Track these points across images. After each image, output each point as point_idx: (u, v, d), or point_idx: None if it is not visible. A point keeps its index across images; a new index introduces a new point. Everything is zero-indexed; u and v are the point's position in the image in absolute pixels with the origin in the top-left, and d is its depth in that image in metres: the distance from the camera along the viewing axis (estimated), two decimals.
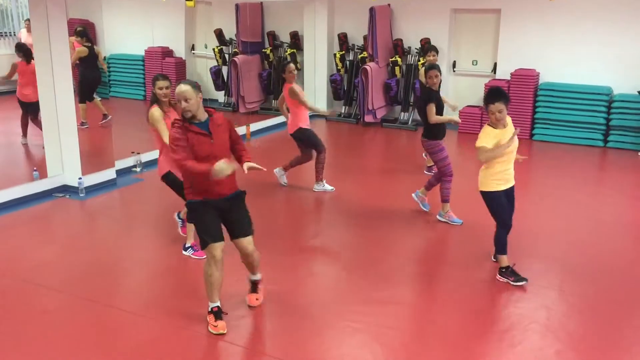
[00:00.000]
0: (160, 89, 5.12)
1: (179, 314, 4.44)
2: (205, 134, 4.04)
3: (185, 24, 12.84)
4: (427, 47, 8.65)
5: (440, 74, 6.24)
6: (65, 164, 7.05)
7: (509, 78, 10.19)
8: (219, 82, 12.27)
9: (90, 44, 9.69)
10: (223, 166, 3.90)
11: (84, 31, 9.92)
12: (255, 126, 10.38)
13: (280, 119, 11.15)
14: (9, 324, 4.27)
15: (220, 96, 12.53)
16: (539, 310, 4.56)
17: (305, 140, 7.16)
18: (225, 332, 4.14)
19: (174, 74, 12.62)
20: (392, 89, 10.95)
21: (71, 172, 7.04)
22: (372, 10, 10.38)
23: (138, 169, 7.99)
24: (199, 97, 4.02)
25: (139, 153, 8.09)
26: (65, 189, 7.03)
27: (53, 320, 4.36)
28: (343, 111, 11.67)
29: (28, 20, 12.79)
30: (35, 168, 7.18)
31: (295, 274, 5.14)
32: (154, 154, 8.37)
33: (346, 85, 11.52)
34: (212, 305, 4.23)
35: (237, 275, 5.09)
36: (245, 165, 4.26)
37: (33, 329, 4.22)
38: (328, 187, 7.25)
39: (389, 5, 10.95)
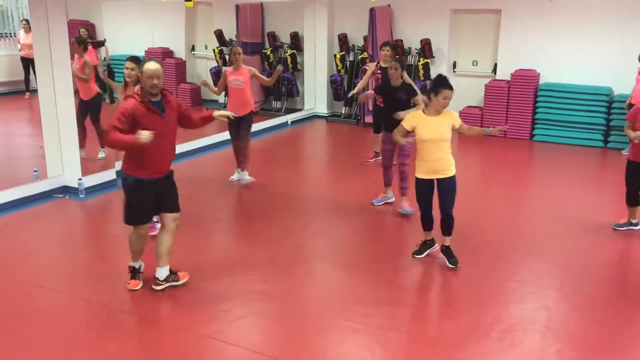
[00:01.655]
0: (126, 68, 5.30)
1: (179, 315, 4.44)
2: (158, 112, 4.37)
3: (185, 25, 12.84)
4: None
5: (402, 69, 6.35)
6: (65, 164, 7.04)
7: (509, 78, 10.19)
8: (218, 83, 12.27)
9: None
10: (147, 134, 4.21)
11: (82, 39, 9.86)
12: (255, 127, 10.32)
13: (281, 119, 11.16)
14: (10, 324, 4.27)
15: (221, 97, 12.51)
16: (539, 310, 4.56)
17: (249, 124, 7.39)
18: (136, 289, 4.70)
19: (175, 74, 12.63)
20: None
21: (71, 173, 7.04)
22: (372, 10, 10.39)
23: None
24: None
25: None
26: (65, 190, 7.03)
27: (54, 320, 4.35)
28: (343, 112, 11.67)
29: (25, 20, 12.80)
30: (35, 169, 7.18)
31: (294, 274, 5.13)
32: None
33: (346, 85, 11.52)
34: (131, 264, 4.76)
35: (239, 276, 5.09)
36: (215, 113, 4.76)
37: (34, 330, 4.22)
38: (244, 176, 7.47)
39: (389, 5, 10.96)
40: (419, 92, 6.39)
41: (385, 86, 6.48)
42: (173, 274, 4.78)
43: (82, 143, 7.66)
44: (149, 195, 4.52)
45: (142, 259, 4.80)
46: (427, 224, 5.34)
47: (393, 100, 6.32)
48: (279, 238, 5.92)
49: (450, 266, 5.16)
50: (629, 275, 5.20)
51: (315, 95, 11.83)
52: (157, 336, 4.17)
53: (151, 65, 4.27)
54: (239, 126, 7.27)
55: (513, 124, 10.17)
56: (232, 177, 7.53)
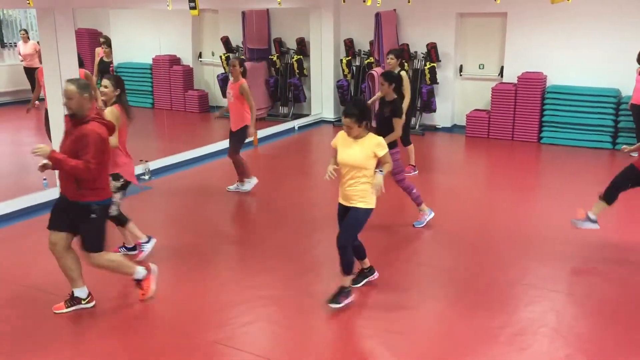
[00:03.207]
0: (103, 86, 5.21)
1: (185, 321, 4.45)
2: (67, 130, 4.32)
3: (192, 32, 12.92)
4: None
5: (386, 82, 5.97)
6: None
7: (515, 81, 10.17)
8: (226, 89, 12.32)
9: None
10: (38, 148, 4.12)
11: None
12: (262, 132, 10.39)
13: (288, 125, 11.19)
14: (23, 331, 4.30)
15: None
16: (548, 313, 4.54)
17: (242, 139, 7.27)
18: (58, 312, 4.50)
19: (182, 81, 12.70)
20: None
21: None
22: (377, 15, 10.40)
23: (147, 177, 8.02)
24: (84, 97, 4.18)
25: (147, 161, 8.13)
26: None
27: (65, 326, 4.38)
28: None
29: (24, 30, 12.92)
30: (44, 177, 7.23)
31: (301, 280, 5.14)
32: (162, 162, 8.47)
33: (353, 90, 11.54)
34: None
35: (245, 282, 5.11)
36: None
37: (47, 336, 4.24)
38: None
39: (394, 10, 10.97)
40: (402, 114, 6.04)
41: (383, 102, 6.20)
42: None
43: None
44: (58, 202, 4.51)
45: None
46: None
47: (380, 114, 6.13)
48: (286, 245, 5.93)
49: (328, 303, 4.54)
50: (639, 279, 5.16)
51: (322, 100, 11.85)
52: (165, 342, 4.18)
53: (65, 85, 4.22)
54: (233, 141, 7.29)
55: (520, 126, 10.15)
56: (229, 187, 7.48)
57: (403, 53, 10.34)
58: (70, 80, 4.23)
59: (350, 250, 4.55)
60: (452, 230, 6.24)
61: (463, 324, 4.41)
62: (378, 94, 7.44)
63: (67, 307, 4.52)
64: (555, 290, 4.93)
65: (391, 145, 6.16)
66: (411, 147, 8.12)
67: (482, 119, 10.38)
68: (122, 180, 5.27)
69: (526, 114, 10.07)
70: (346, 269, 4.55)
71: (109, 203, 4.53)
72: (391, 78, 6.00)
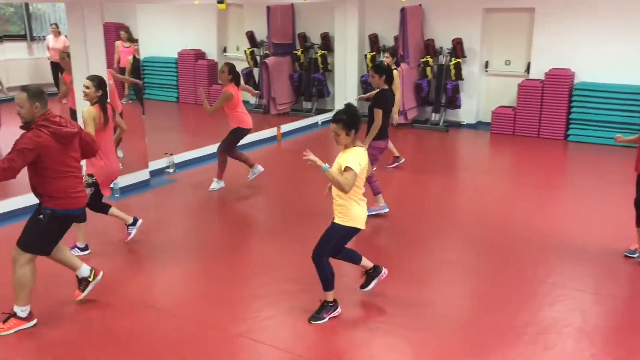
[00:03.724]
0: (83, 86, 5.25)
1: (209, 314, 4.49)
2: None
3: (217, 27, 12.98)
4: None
5: (376, 74, 6.05)
6: None
7: (542, 78, 10.03)
8: (250, 83, 12.36)
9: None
10: None
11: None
12: (285, 127, 10.43)
13: (311, 120, 11.20)
14: (42, 322, 4.37)
15: (252, 97, 12.62)
16: (573, 313, 4.48)
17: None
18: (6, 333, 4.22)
19: (206, 76, 12.77)
20: (424, 89, 10.88)
21: None
22: (403, 10, 10.34)
23: (171, 170, 8.10)
24: (34, 106, 4.02)
25: (172, 154, 8.20)
26: None
27: (88, 319, 4.45)
28: None
29: (54, 24, 13.08)
30: None
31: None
32: (186, 156, 8.54)
33: None
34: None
35: (267, 277, 5.14)
36: None
37: (72, 329, 4.32)
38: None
39: (420, 5, 10.89)
40: (384, 105, 6.09)
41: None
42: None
43: (117, 143, 7.79)
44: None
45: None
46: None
47: (371, 108, 6.20)
48: (307, 240, 5.90)
49: (309, 321, 4.37)
50: None
51: (346, 95, 11.80)
52: (188, 334, 4.22)
53: (17, 94, 4.07)
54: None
55: (547, 123, 10.01)
56: (249, 176, 7.53)
57: (397, 51, 10.22)
58: (24, 88, 4.07)
59: (324, 264, 4.29)
60: (475, 227, 6.19)
61: (485, 321, 4.38)
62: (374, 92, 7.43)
63: (83, 291, 4.57)
64: (581, 289, 4.86)
65: (381, 136, 6.13)
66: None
67: (508, 116, 10.26)
68: (94, 179, 5.36)
69: (553, 111, 9.93)
70: (324, 284, 4.33)
71: (67, 214, 4.25)
72: (381, 70, 6.08)
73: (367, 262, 4.67)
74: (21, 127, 4.13)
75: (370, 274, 4.69)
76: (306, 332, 4.29)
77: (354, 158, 4.17)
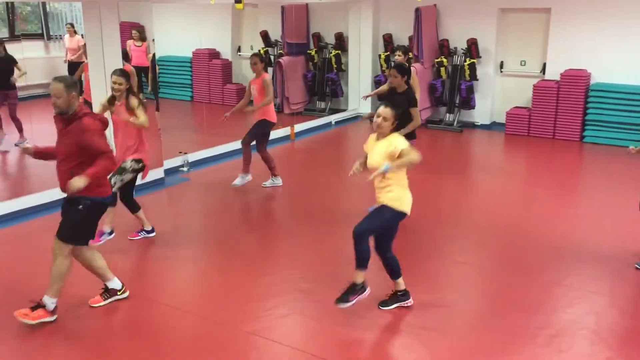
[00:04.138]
0: (114, 82, 5.36)
1: (223, 311, 4.51)
2: (62, 124, 4.22)
3: (231, 26, 13.02)
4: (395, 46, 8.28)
5: (399, 75, 5.99)
6: None
7: (558, 79, 9.96)
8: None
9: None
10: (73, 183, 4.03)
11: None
12: (299, 127, 10.44)
13: (325, 120, 11.20)
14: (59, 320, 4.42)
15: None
16: (588, 315, 4.45)
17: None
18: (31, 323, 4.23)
19: (221, 75, 12.82)
20: (437, 90, 10.84)
21: None
22: (417, 10, 10.31)
23: (185, 169, 8.15)
24: (71, 96, 4.12)
25: (186, 153, 8.25)
26: None
27: (100, 315, 4.50)
28: None
29: (70, 24, 13.18)
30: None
31: (335, 275, 5.14)
32: (200, 154, 8.58)
33: None
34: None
35: (281, 276, 5.15)
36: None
37: (82, 325, 4.36)
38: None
39: (434, 5, 10.85)
40: (417, 104, 6.13)
41: (393, 93, 6.16)
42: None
43: None
44: (62, 208, 4.36)
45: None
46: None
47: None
48: (321, 239, 5.94)
49: (336, 303, 4.36)
50: None
51: (360, 95, 11.79)
52: (201, 332, 4.24)
53: (51, 84, 4.12)
54: (248, 133, 7.35)
55: (562, 124, 9.94)
56: (265, 183, 7.51)
57: (410, 50, 10.18)
58: (57, 79, 4.16)
59: (364, 241, 4.26)
60: (489, 228, 6.16)
61: (500, 323, 4.36)
62: (381, 88, 7.40)
63: (104, 300, 4.58)
64: (596, 292, 4.82)
65: (411, 136, 6.15)
66: None
67: (523, 117, 10.20)
68: (141, 164, 5.53)
69: (569, 112, 9.86)
70: (359, 260, 4.30)
71: (101, 201, 4.34)
72: (404, 70, 6.11)
73: (402, 283, 4.57)
74: (64, 118, 4.18)
75: (399, 297, 4.58)
76: (320, 331, 4.30)
77: (400, 139, 4.29)
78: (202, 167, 8.37)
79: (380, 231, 4.38)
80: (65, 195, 4.29)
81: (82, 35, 12.63)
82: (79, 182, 4.02)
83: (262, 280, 5.06)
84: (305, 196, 7.24)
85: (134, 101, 5.40)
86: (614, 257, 5.43)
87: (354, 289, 4.37)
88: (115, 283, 4.61)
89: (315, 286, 4.88)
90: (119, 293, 4.63)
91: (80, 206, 4.21)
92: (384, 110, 4.30)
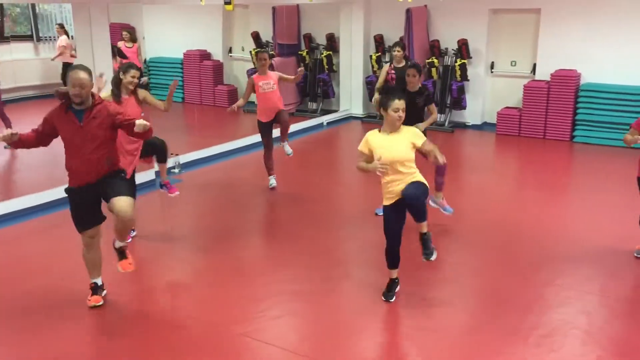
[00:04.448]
0: (133, 77, 5.47)
1: (215, 313, 4.50)
2: (75, 121, 4.20)
3: (222, 27, 13.00)
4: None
5: (418, 74, 6.10)
6: None
7: (548, 79, 10.01)
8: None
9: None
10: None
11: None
12: (290, 128, 10.35)
13: (316, 121, 11.20)
14: (52, 320, 4.39)
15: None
16: (580, 315, 4.47)
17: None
18: (98, 304, 4.51)
19: (212, 76, 12.79)
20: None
21: None
22: (408, 11, 10.33)
23: (177, 170, 8.12)
24: (92, 85, 4.22)
25: (177, 154, 8.22)
26: None
27: (95, 315, 4.47)
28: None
29: (59, 25, 13.13)
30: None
31: (328, 276, 5.14)
32: (192, 156, 8.55)
33: None
34: (91, 280, 4.57)
35: (273, 277, 5.14)
36: (137, 121, 4.24)
37: (76, 326, 4.33)
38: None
39: (425, 6, 10.88)
40: (432, 101, 6.30)
41: (407, 93, 6.07)
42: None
43: None
44: (81, 202, 4.38)
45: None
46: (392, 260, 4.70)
47: (411, 105, 6.17)
48: (314, 240, 5.94)
49: (384, 299, 4.63)
50: None
51: (351, 96, 11.83)
52: (193, 334, 4.23)
53: (75, 74, 4.11)
54: (270, 133, 7.34)
55: (552, 124, 9.99)
56: (271, 184, 7.50)
57: (405, 48, 10.18)
58: (80, 68, 4.17)
59: (422, 202, 4.42)
60: (480, 228, 6.18)
61: (492, 323, 4.37)
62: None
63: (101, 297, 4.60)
64: (588, 291, 4.85)
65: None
66: None
67: (513, 117, 10.25)
68: None
69: (559, 112, 9.91)
70: (425, 215, 4.46)
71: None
72: (421, 70, 6.27)
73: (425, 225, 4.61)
74: (80, 109, 4.19)
75: (396, 284, 4.74)
76: (312, 333, 4.30)
77: (414, 130, 4.53)
78: (193, 168, 8.34)
79: (422, 198, 4.45)
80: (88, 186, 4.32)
81: (71, 36, 12.58)
82: (144, 122, 4.21)
83: (255, 281, 5.05)
84: (298, 197, 7.23)
85: (142, 92, 5.58)
86: (604, 256, 5.46)
87: (394, 285, 4.66)
88: (100, 280, 4.63)
89: (308, 287, 4.87)
90: (104, 288, 4.66)
91: (123, 173, 4.45)
92: (399, 103, 4.40)
